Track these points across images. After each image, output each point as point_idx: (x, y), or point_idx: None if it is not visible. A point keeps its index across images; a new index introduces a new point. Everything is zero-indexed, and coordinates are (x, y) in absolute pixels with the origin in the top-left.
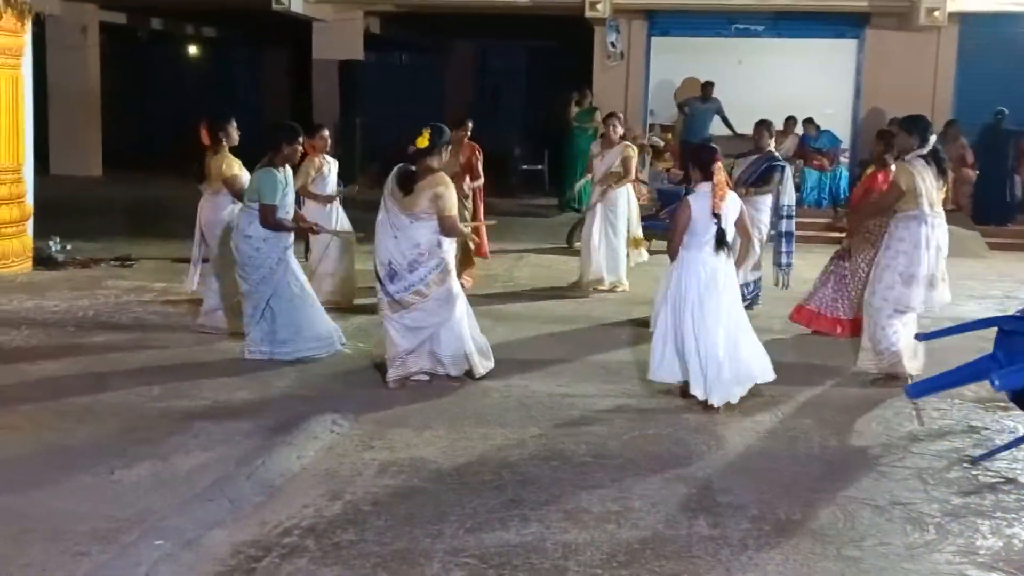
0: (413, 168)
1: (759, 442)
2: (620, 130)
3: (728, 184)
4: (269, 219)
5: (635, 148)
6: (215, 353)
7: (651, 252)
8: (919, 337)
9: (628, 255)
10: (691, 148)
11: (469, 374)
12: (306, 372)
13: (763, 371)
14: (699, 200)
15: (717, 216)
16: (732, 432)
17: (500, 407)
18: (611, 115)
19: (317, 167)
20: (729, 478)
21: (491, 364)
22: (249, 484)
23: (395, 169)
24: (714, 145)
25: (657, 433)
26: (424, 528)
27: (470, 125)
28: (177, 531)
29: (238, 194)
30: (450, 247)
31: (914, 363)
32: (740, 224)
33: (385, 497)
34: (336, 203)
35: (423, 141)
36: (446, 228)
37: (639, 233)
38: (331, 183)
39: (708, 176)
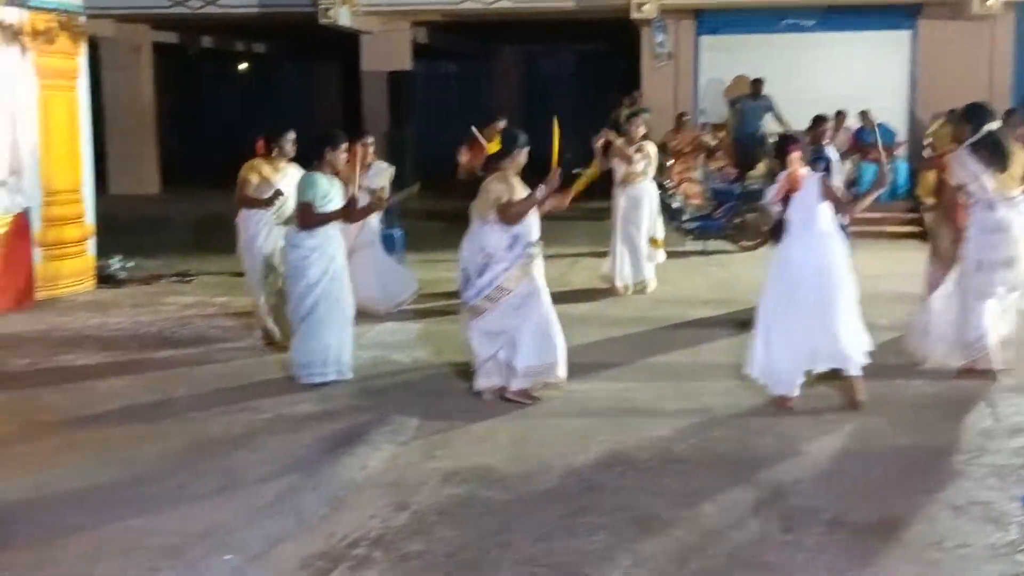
0: (478, 178)
1: (830, 442)
2: (642, 130)
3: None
4: (306, 218)
5: (654, 147)
6: (276, 366)
7: (709, 253)
8: None
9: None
10: (777, 140)
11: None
12: (367, 382)
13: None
14: (775, 189)
15: (782, 203)
16: (802, 432)
17: (563, 412)
18: (634, 114)
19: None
20: (801, 480)
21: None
22: (315, 496)
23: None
24: (795, 135)
25: (724, 435)
26: (492, 538)
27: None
28: (245, 545)
29: (240, 198)
30: (526, 250)
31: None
32: (829, 198)
33: (451, 507)
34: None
35: (494, 147)
36: (502, 218)
37: (659, 234)
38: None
39: (784, 165)
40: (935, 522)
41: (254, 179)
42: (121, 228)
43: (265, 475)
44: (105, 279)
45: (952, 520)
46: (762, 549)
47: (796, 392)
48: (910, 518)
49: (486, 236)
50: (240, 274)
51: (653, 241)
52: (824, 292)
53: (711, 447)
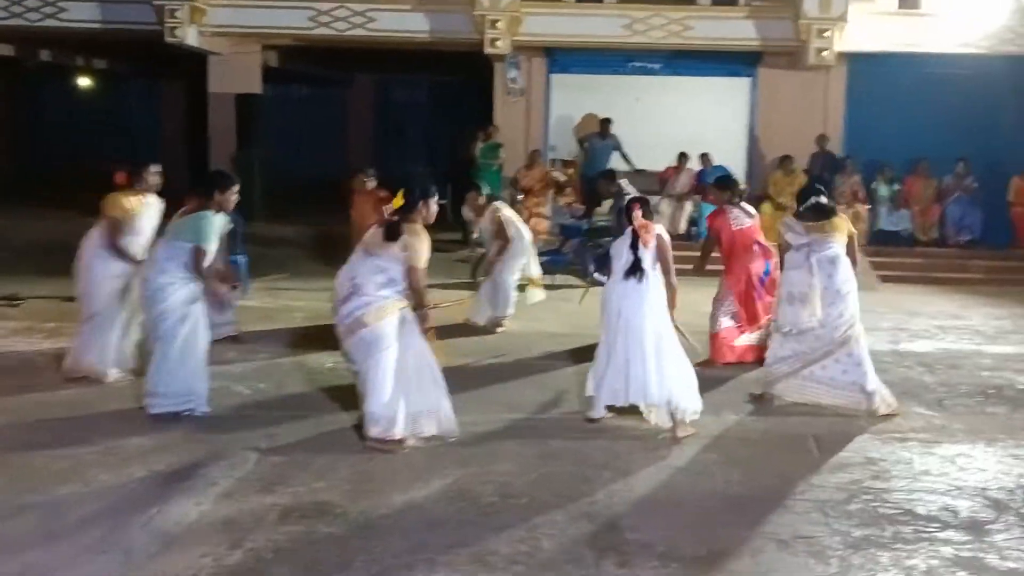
0: (397, 221)
1: (664, 478)
2: (482, 200)
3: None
4: (199, 263)
5: (504, 208)
6: (109, 396)
7: (556, 287)
8: None
9: (526, 293)
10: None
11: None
12: (204, 415)
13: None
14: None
15: (632, 249)
16: (638, 468)
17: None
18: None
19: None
20: (636, 515)
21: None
22: (144, 533)
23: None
24: (639, 195)
25: (563, 470)
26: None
27: None
28: None
29: (113, 245)
30: (395, 294)
31: None
32: (662, 258)
33: (287, 544)
34: None
35: (399, 201)
36: (409, 280)
37: (534, 272)
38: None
39: (631, 221)
40: (761, 556)
41: (118, 214)
42: None
43: (92, 512)
44: None
45: (777, 554)
46: None
47: (600, 414)
48: (738, 551)
49: (362, 269)
50: (71, 299)
51: (531, 280)
52: (652, 333)
53: (551, 482)
